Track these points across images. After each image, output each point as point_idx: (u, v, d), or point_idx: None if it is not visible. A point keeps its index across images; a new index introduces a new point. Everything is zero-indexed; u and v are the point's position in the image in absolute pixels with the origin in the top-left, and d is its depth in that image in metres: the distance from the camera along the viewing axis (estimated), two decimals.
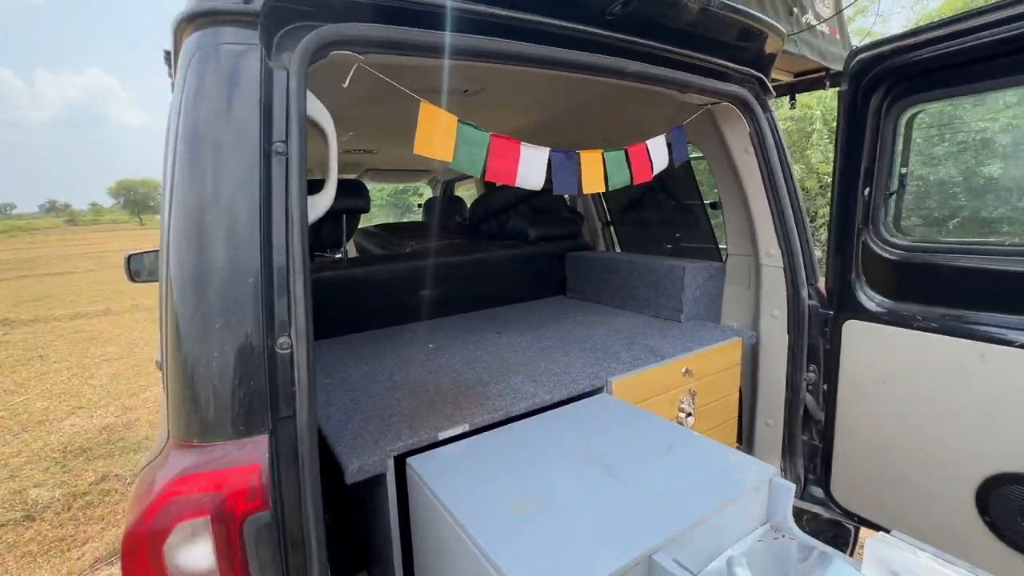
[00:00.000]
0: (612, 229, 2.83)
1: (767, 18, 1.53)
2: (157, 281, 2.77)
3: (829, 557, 0.91)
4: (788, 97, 3.00)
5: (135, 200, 79.02)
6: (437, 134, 1.15)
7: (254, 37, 0.84)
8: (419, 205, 4.39)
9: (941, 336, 1.36)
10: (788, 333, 1.79)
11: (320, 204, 0.94)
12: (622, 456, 1.08)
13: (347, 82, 1.03)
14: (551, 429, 1.22)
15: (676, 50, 1.44)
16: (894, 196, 1.44)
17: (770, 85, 1.73)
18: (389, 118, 2.13)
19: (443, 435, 1.15)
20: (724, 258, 2.08)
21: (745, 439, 2.00)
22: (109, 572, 2.73)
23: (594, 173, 1.44)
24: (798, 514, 1.79)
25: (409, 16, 0.99)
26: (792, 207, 1.74)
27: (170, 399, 0.79)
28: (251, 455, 0.76)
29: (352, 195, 1.96)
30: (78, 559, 2.83)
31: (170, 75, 2.02)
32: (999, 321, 1.27)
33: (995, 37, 1.14)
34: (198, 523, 0.72)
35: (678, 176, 2.36)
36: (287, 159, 0.85)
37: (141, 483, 0.76)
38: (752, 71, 1.67)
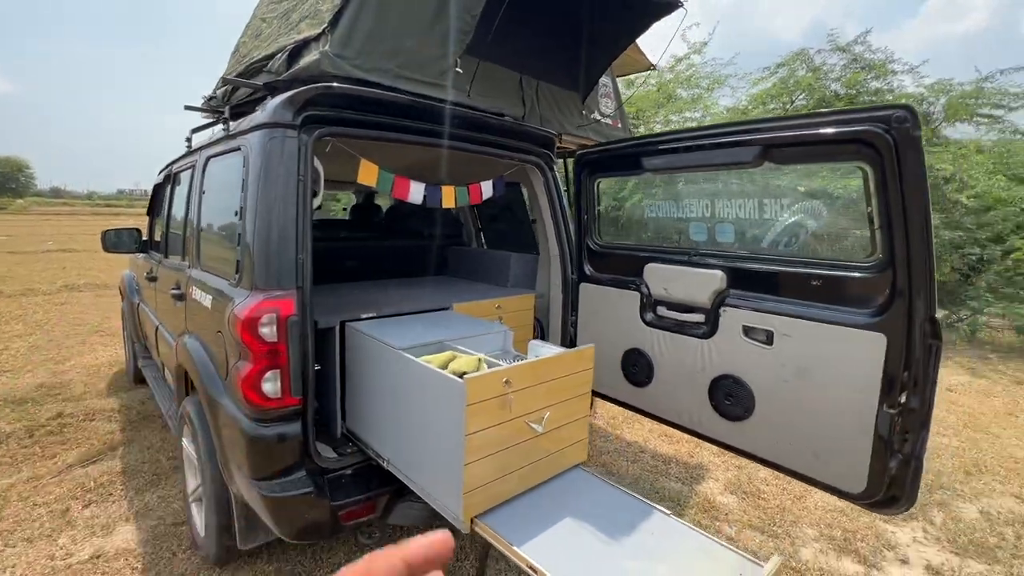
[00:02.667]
0: (482, 233, 4.25)
1: (544, 127, 3.00)
2: (133, 252, 3.86)
3: (522, 357, 2.29)
4: None
5: None
6: (368, 174, 2.44)
7: (295, 133, 2.08)
8: (344, 209, 5.52)
9: (611, 287, 2.87)
10: (562, 294, 3.25)
11: (316, 201, 2.18)
12: (448, 323, 2.41)
13: (328, 148, 2.29)
14: (419, 318, 2.52)
15: (495, 138, 2.83)
16: (594, 220, 2.95)
17: (553, 156, 3.20)
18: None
19: (363, 315, 2.41)
20: (538, 252, 3.53)
21: None
22: (84, 471, 3.53)
23: (449, 197, 2.79)
24: None
25: (354, 124, 2.26)
26: (564, 226, 3.20)
27: (256, 273, 1.98)
28: (289, 295, 1.99)
29: None
30: (53, 465, 3.60)
31: (187, 142, 3.18)
32: (629, 279, 2.78)
33: (617, 153, 2.66)
34: (271, 316, 1.93)
35: (518, 202, 3.81)
36: (304, 183, 2.09)
37: (242, 304, 1.95)
38: (542, 149, 3.12)
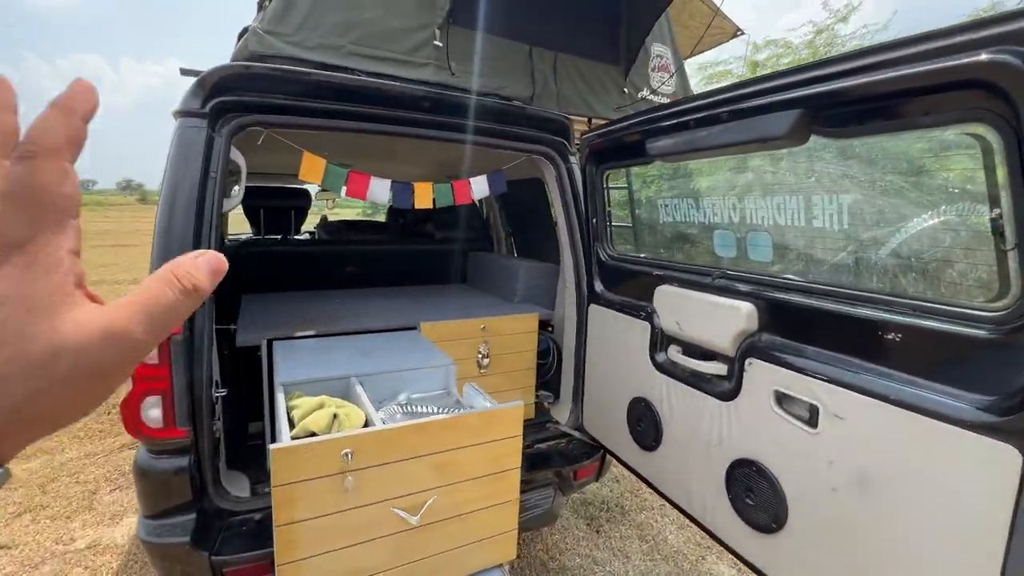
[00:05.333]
0: (512, 238, 3.72)
1: (562, 110, 2.40)
2: None
3: (463, 407, 1.77)
4: None
5: None
6: (312, 169, 2.10)
7: (203, 123, 1.80)
8: None
9: (620, 313, 2.19)
10: (576, 315, 2.62)
11: (232, 202, 1.90)
12: (381, 350, 1.98)
13: (260, 141, 1.99)
14: (361, 340, 2.13)
15: (480, 124, 2.30)
16: (605, 223, 2.28)
17: (570, 146, 2.58)
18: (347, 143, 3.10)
19: (298, 334, 2.08)
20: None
21: (554, 387, 2.81)
22: (130, 453, 3.78)
23: (424, 196, 2.34)
24: (565, 437, 2.57)
25: (289, 111, 1.92)
26: (579, 230, 2.57)
27: None
28: None
29: (296, 197, 2.95)
30: (109, 444, 3.92)
31: None
32: (640, 304, 2.09)
33: (624, 135, 1.98)
34: None
35: (544, 202, 3.22)
36: (216, 179, 1.80)
37: None
38: (555, 138, 2.52)
